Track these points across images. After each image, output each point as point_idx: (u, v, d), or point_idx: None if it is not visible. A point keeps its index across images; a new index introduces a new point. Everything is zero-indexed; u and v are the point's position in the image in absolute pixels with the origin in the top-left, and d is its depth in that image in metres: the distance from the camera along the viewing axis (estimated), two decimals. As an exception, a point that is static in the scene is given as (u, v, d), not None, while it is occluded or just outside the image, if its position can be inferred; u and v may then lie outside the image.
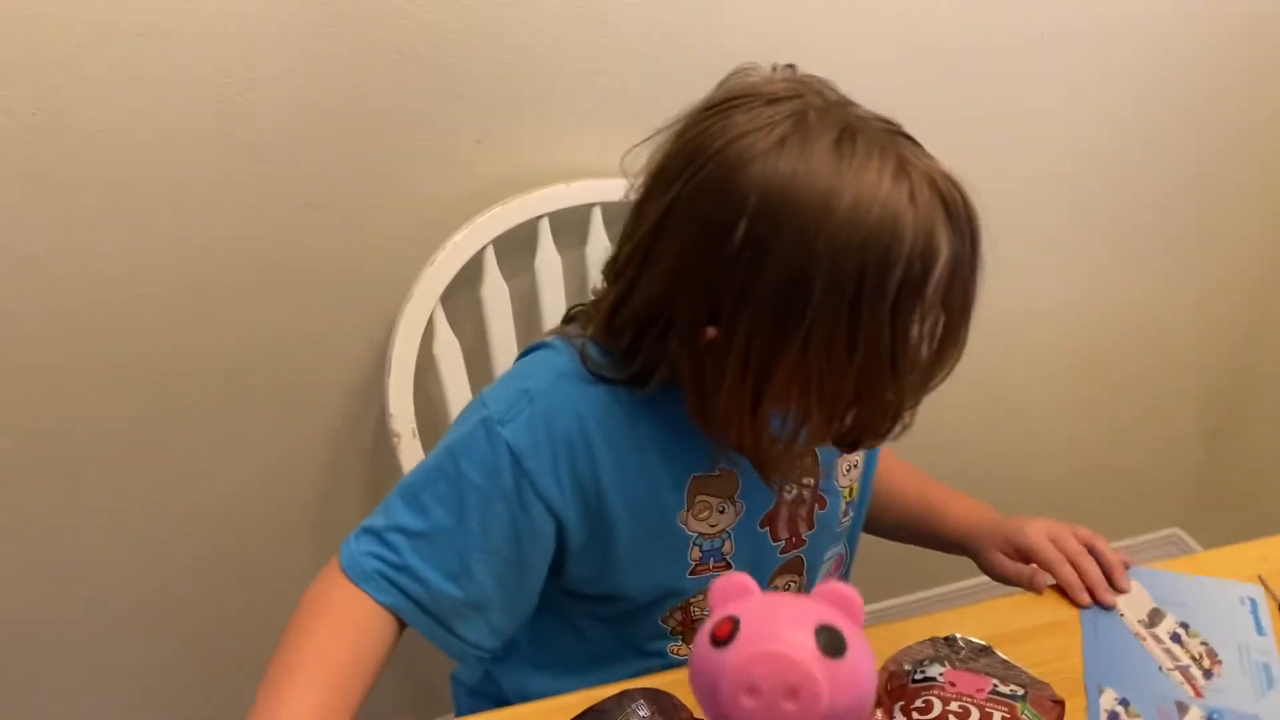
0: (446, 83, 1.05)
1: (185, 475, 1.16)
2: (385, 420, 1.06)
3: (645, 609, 0.85)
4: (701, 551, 0.82)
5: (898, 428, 0.75)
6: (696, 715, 0.74)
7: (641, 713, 0.74)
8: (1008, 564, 0.94)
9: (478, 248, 1.08)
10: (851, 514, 0.92)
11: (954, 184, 0.68)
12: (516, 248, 1.11)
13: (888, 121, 0.70)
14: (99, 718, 1.26)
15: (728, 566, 0.84)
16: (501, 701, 0.89)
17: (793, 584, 0.89)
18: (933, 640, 0.83)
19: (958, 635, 0.83)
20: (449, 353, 1.09)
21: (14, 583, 1.14)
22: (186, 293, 1.06)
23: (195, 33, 0.95)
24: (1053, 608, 0.88)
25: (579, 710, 0.74)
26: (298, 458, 1.19)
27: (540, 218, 1.10)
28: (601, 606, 0.86)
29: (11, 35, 0.90)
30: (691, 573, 0.83)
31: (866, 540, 1.33)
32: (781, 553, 0.86)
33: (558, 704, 0.78)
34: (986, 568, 0.96)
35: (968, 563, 0.98)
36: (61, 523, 1.13)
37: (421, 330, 1.07)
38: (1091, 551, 0.91)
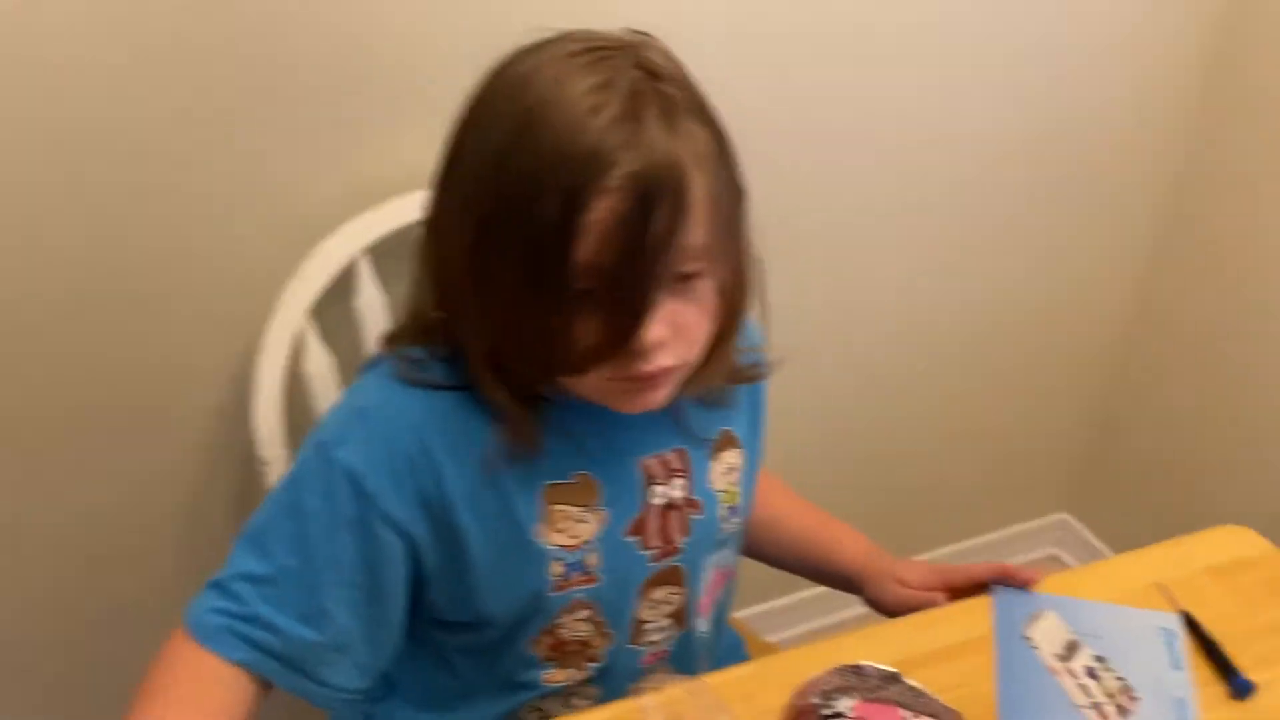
0: (315, 70, 0.97)
1: (37, 513, 1.06)
2: (254, 444, 0.98)
3: (511, 634, 0.79)
4: (565, 566, 0.77)
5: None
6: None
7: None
8: (907, 592, 0.91)
9: (351, 255, 1.00)
10: (735, 520, 0.86)
11: (668, 152, 0.64)
12: (395, 255, 1.03)
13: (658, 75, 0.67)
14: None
15: (593, 580, 0.78)
16: None
17: (674, 596, 0.83)
18: (839, 670, 0.79)
19: (865, 663, 0.80)
20: (322, 371, 1.01)
21: None
22: (11, 316, 0.96)
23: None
24: (963, 626, 0.86)
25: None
26: (159, 489, 1.10)
27: (422, 222, 1.02)
28: (468, 635, 0.80)
29: None
30: (554, 589, 0.77)
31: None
32: (652, 562, 0.81)
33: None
34: (878, 601, 0.93)
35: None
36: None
37: (289, 347, 0.99)
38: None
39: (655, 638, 0.83)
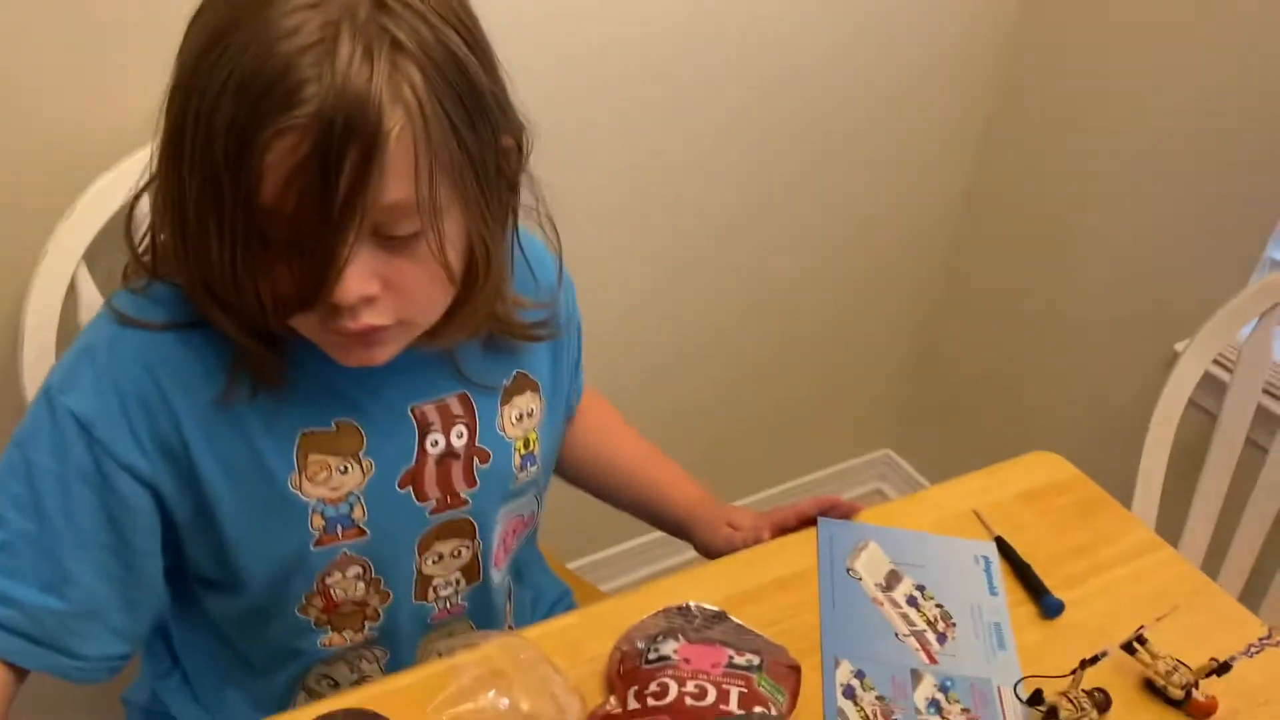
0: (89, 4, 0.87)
1: None
2: (22, 401, 0.89)
3: (277, 596, 0.74)
4: (325, 519, 0.72)
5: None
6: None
7: (344, 737, 0.65)
8: (736, 535, 0.89)
9: (128, 194, 0.90)
10: (532, 468, 0.82)
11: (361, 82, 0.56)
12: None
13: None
14: None
15: (361, 534, 0.73)
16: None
17: (463, 549, 0.79)
18: (665, 611, 0.78)
19: (691, 603, 0.78)
20: (101, 320, 0.91)
21: None
22: None
23: None
24: (787, 561, 0.85)
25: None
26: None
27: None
28: (235, 600, 0.75)
29: None
30: (316, 544, 0.72)
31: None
32: (432, 514, 0.76)
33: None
34: (707, 545, 0.92)
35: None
36: None
37: (63, 294, 0.89)
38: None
39: (445, 593, 0.80)
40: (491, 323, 0.73)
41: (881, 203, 1.57)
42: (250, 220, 0.58)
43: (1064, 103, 1.47)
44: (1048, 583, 0.84)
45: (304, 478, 0.70)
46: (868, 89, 1.43)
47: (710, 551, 0.91)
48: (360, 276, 0.60)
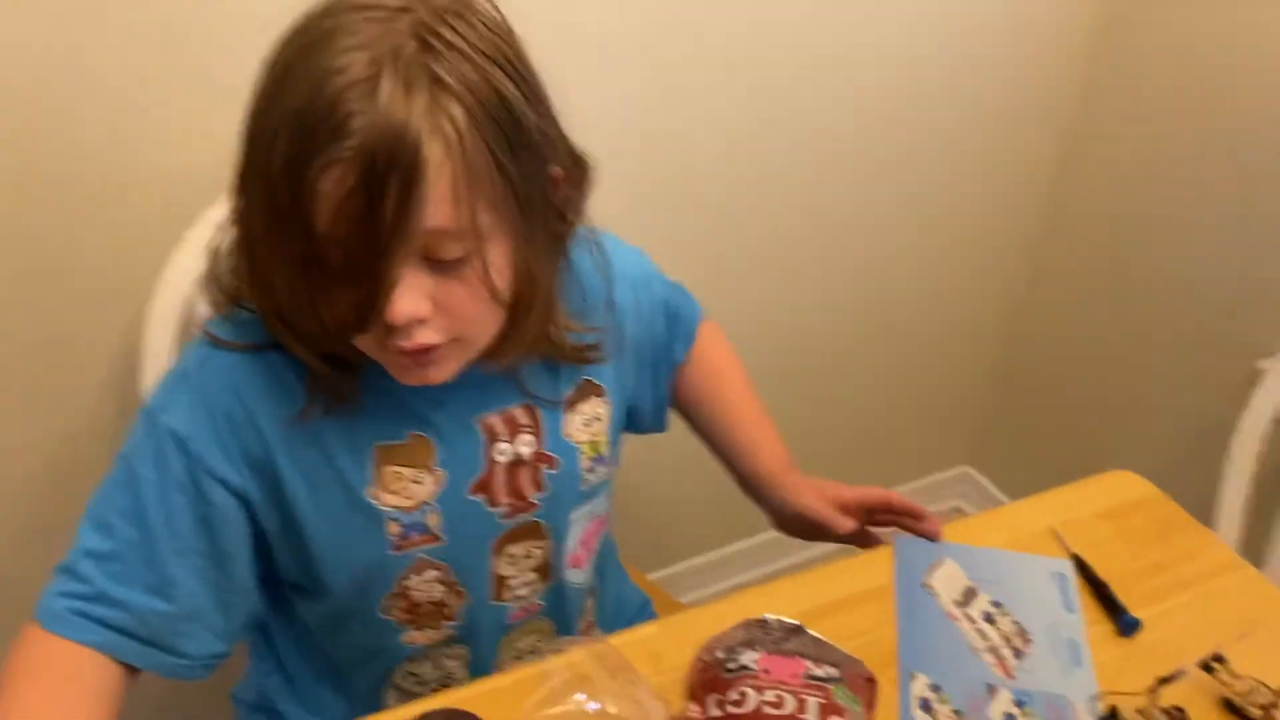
0: (186, 36, 0.93)
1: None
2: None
3: (361, 598, 0.79)
4: (401, 526, 0.76)
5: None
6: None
7: (441, 735, 0.68)
8: (825, 509, 0.90)
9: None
10: (602, 469, 0.85)
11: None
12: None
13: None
14: None
15: (437, 540, 0.78)
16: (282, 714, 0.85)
17: (536, 550, 0.83)
18: (745, 624, 0.80)
19: (769, 616, 0.81)
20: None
21: None
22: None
23: None
24: (864, 576, 0.87)
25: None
26: (49, 467, 1.06)
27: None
28: (323, 602, 0.80)
29: None
30: (394, 550, 0.77)
31: (668, 501, 1.31)
32: (504, 519, 0.80)
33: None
34: (789, 506, 0.92)
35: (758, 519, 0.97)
36: None
37: (178, 321, 0.95)
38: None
39: (521, 593, 0.84)
40: (544, 344, 0.77)
41: (961, 217, 1.58)
42: (309, 247, 0.63)
43: (1148, 115, 1.46)
44: (1125, 601, 0.84)
45: (380, 488, 0.75)
46: (950, 105, 1.45)
47: (784, 516, 0.93)
48: (410, 298, 0.64)
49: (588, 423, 0.83)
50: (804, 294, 1.51)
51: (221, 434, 0.71)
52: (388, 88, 0.60)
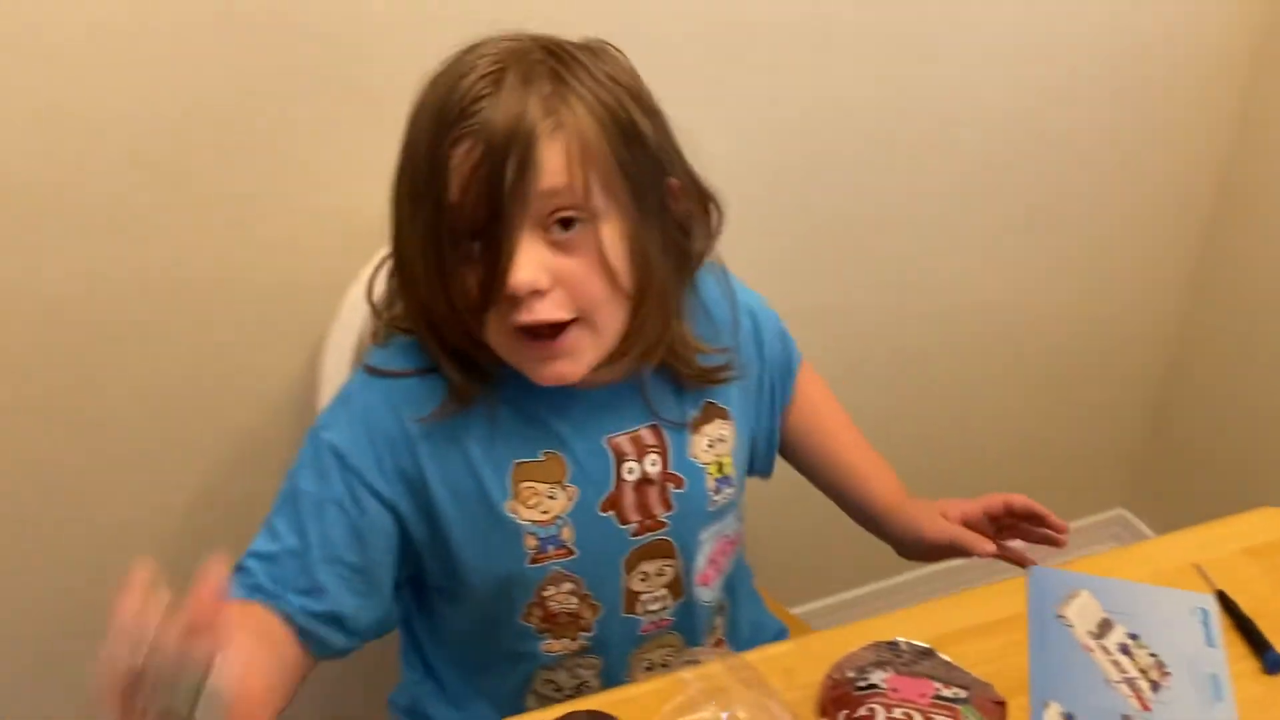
0: (371, 86, 1.03)
1: (111, 501, 1.13)
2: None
3: (502, 605, 0.84)
4: (538, 540, 0.82)
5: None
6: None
7: (584, 736, 0.73)
8: (952, 528, 0.91)
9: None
10: (729, 490, 0.89)
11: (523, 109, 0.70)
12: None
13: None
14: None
15: (570, 553, 0.83)
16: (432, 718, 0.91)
17: (667, 568, 0.87)
18: (875, 645, 0.83)
19: (900, 639, 0.83)
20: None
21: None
22: (110, 318, 1.03)
23: (90, 38, 0.92)
24: (996, 605, 0.88)
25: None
26: (227, 483, 1.16)
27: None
28: (465, 608, 0.86)
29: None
30: (531, 561, 0.82)
31: (810, 536, 1.33)
32: (634, 536, 0.85)
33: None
34: (912, 535, 0.94)
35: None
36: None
37: (353, 348, 1.04)
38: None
39: (653, 608, 0.88)
40: (670, 358, 0.83)
41: (1115, 252, 1.56)
42: (441, 219, 0.71)
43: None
44: (1271, 638, 0.83)
45: (518, 502, 0.81)
46: (1105, 133, 1.44)
47: (908, 543, 0.95)
48: (529, 267, 0.71)
49: (712, 444, 0.88)
50: (950, 332, 1.52)
51: (378, 450, 0.78)
52: (510, 78, 0.70)
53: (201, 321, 1.07)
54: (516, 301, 0.72)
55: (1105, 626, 0.86)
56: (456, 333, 0.76)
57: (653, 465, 0.85)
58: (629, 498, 0.84)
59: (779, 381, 0.96)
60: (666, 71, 0.79)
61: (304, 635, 0.78)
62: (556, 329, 0.74)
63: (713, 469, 0.88)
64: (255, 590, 0.77)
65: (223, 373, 1.10)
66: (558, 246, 0.72)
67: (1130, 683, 0.81)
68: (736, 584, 0.98)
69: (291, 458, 1.16)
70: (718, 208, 0.82)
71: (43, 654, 1.18)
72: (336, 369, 1.03)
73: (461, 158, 0.69)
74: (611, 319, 0.76)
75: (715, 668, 0.78)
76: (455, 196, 0.70)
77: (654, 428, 0.85)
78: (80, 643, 1.14)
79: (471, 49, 0.73)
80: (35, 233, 0.98)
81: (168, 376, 1.08)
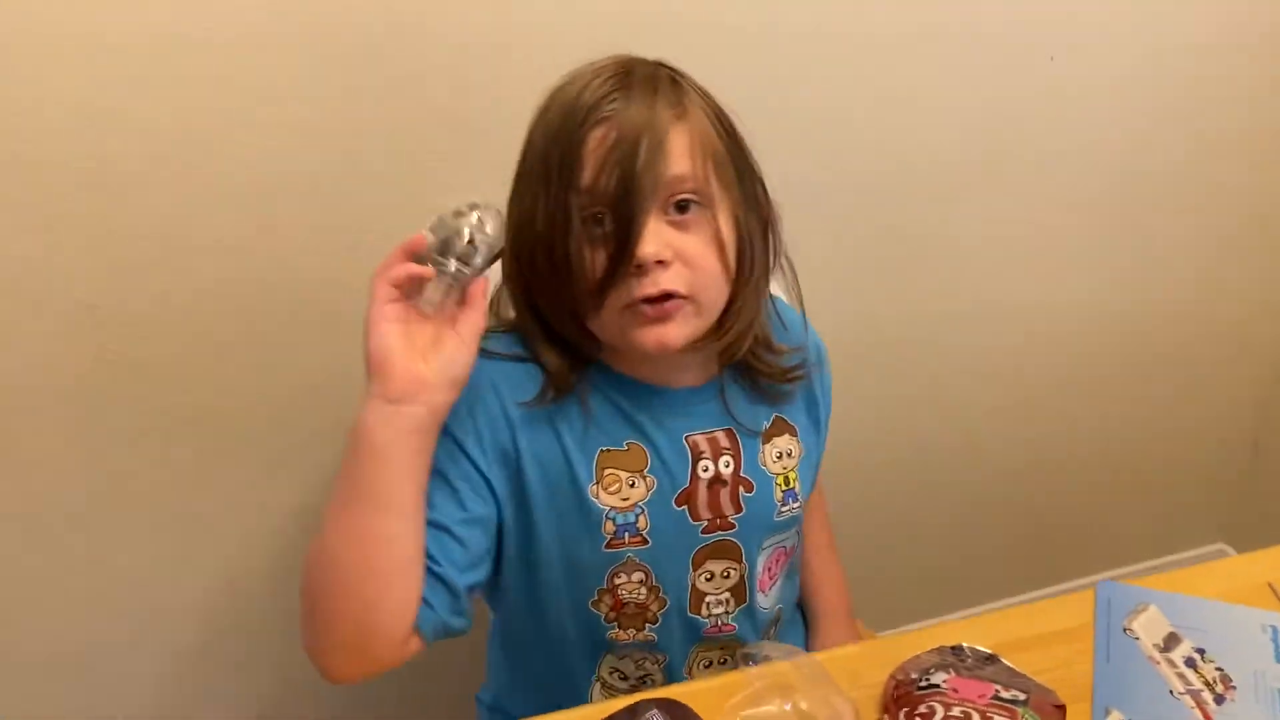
0: (476, 132, 1.12)
1: (241, 504, 1.22)
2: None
3: (573, 591, 0.89)
4: (615, 525, 0.87)
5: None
6: (707, 722, 0.78)
7: (655, 721, 0.78)
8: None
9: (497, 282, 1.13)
10: (794, 504, 0.94)
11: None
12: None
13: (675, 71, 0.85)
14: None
15: (644, 542, 0.88)
16: (512, 713, 0.97)
17: (732, 571, 0.91)
18: (940, 649, 0.86)
19: (965, 644, 0.86)
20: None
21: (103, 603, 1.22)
22: (240, 333, 1.13)
23: (226, 85, 1.03)
24: (1064, 616, 0.90)
25: (596, 720, 0.78)
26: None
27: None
28: (539, 595, 0.90)
29: (66, 100, 0.98)
30: (607, 546, 0.87)
31: (883, 565, 1.36)
32: (704, 533, 0.90)
33: (577, 714, 0.82)
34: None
35: (984, 588, 1.01)
36: (125, 563, 1.20)
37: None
38: None
39: (717, 611, 0.92)
40: (751, 356, 0.90)
41: (1222, 278, 1.56)
42: (572, 200, 0.79)
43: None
44: (1343, 657, 0.83)
45: (600, 487, 0.87)
46: (1206, 174, 1.46)
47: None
48: (655, 242, 0.79)
49: (779, 456, 0.93)
50: (1055, 362, 1.54)
51: (479, 425, 0.85)
52: (637, 79, 0.80)
53: (316, 336, 1.16)
54: (640, 273, 0.79)
55: (1172, 640, 0.87)
56: (563, 319, 0.84)
57: (726, 466, 0.90)
58: (702, 494, 0.89)
59: (826, 408, 1.01)
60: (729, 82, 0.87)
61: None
62: (668, 300, 0.81)
63: (780, 480, 0.93)
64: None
65: (334, 383, 1.19)
66: (676, 226, 0.81)
67: (1194, 695, 0.82)
68: (789, 596, 1.03)
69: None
70: (777, 216, 0.90)
71: (182, 649, 1.28)
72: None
73: (597, 142, 0.78)
74: (716, 297, 0.84)
75: (783, 666, 0.83)
76: (588, 179, 0.78)
77: (729, 432, 0.91)
78: (225, 636, 1.26)
79: (586, 66, 0.83)
80: (178, 252, 1.08)
81: (287, 386, 1.18)
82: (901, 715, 0.79)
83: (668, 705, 0.80)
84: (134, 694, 1.28)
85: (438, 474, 0.83)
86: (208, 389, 1.15)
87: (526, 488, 0.86)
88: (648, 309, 0.81)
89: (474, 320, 0.80)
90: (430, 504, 0.82)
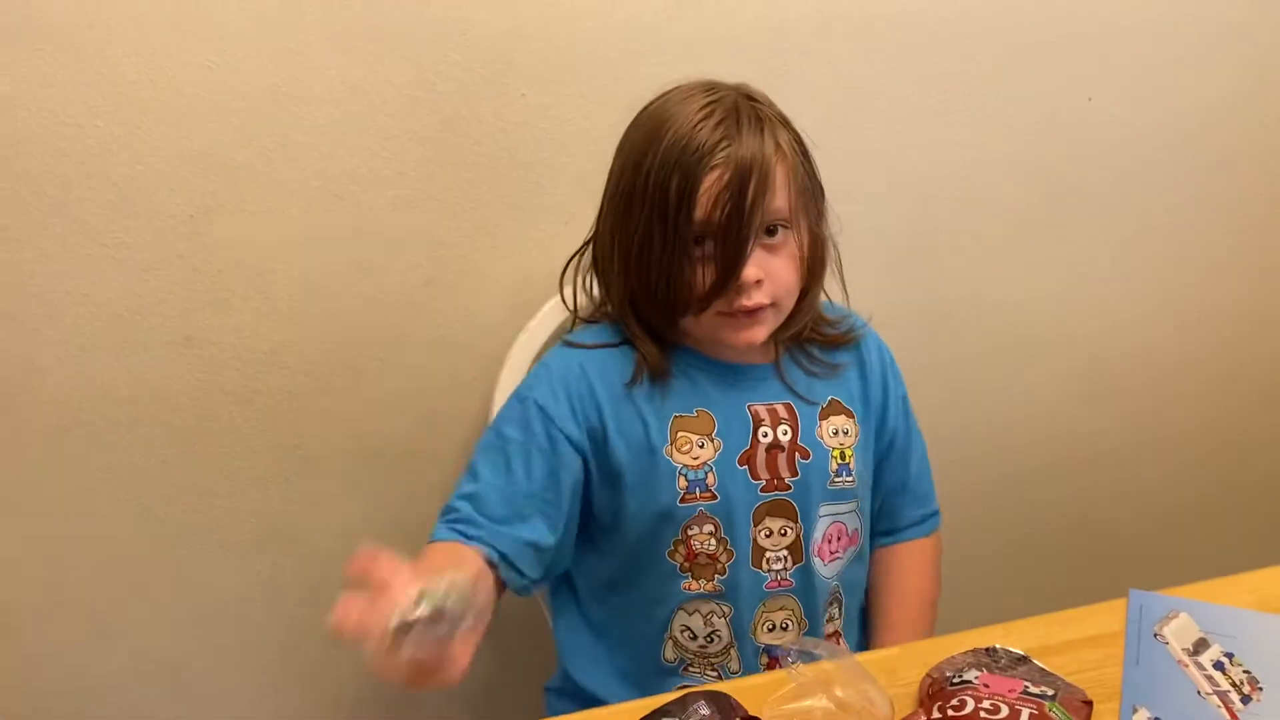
0: (541, 176, 1.22)
1: (316, 526, 1.31)
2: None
3: (651, 543, 1.00)
4: (687, 481, 0.99)
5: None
6: (752, 715, 0.83)
7: (703, 712, 0.84)
8: None
9: (565, 315, 1.21)
10: (847, 477, 1.05)
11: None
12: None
13: (756, 99, 0.97)
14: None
15: (713, 497, 0.99)
16: (579, 696, 1.05)
17: (789, 529, 1.02)
18: (974, 651, 0.90)
19: (998, 646, 0.90)
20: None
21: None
22: (320, 364, 1.23)
23: (325, 139, 1.13)
24: (1096, 623, 0.94)
25: (645, 713, 0.84)
26: (417, 511, 1.33)
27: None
28: (620, 549, 1.02)
29: (175, 150, 1.09)
30: (680, 500, 0.99)
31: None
32: (763, 491, 1.01)
33: (626, 708, 0.88)
34: None
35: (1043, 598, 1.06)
36: (214, 561, 1.30)
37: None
38: None
39: (776, 566, 1.02)
40: (809, 332, 1.03)
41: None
42: (687, 232, 0.92)
43: None
44: (1371, 661, 0.86)
45: (674, 448, 0.99)
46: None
47: None
48: (755, 265, 0.94)
49: (835, 433, 1.05)
50: (1123, 375, 1.58)
51: (572, 405, 0.98)
52: (744, 121, 0.93)
53: (394, 365, 1.25)
54: (739, 290, 0.94)
55: (1201, 645, 0.90)
56: (659, 316, 0.98)
57: (784, 434, 1.02)
58: (761, 457, 1.01)
59: (894, 399, 1.11)
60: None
61: (502, 563, 0.93)
62: (758, 309, 0.96)
63: (835, 454, 1.04)
64: (459, 523, 0.94)
65: (410, 408, 1.28)
66: (767, 249, 0.95)
67: (1221, 695, 0.86)
68: (851, 582, 1.09)
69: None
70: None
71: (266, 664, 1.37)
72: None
73: (712, 182, 0.91)
74: (791, 301, 0.99)
75: (824, 664, 0.88)
76: (702, 214, 0.92)
77: (788, 405, 1.03)
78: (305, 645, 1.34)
79: (679, 101, 0.95)
80: (270, 292, 1.19)
81: (367, 413, 1.27)
82: (934, 709, 0.83)
83: (713, 696, 0.86)
84: (224, 707, 1.37)
85: (539, 450, 0.96)
86: (299, 413, 1.24)
87: (612, 456, 0.99)
88: (742, 316, 0.95)
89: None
90: (531, 477, 0.96)
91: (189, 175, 1.11)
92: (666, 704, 0.85)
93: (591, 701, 1.03)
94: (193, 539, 1.27)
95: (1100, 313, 1.53)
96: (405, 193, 1.18)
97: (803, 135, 1.00)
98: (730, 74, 1.01)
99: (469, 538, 0.94)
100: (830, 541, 1.05)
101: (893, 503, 1.13)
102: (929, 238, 1.41)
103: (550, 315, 1.21)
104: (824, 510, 1.04)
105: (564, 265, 1.09)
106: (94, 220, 1.10)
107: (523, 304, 1.24)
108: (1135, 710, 0.85)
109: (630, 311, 0.99)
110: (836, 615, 1.08)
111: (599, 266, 1.02)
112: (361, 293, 1.21)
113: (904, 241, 1.40)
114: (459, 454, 1.31)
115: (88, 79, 1.05)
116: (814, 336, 1.06)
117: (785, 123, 0.97)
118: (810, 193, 0.98)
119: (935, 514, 1.16)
